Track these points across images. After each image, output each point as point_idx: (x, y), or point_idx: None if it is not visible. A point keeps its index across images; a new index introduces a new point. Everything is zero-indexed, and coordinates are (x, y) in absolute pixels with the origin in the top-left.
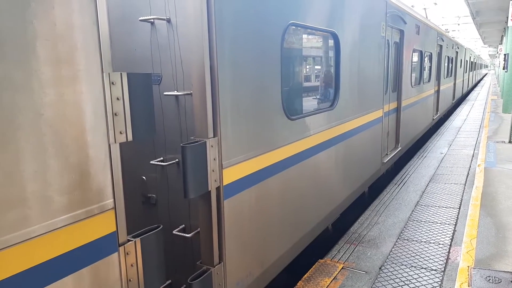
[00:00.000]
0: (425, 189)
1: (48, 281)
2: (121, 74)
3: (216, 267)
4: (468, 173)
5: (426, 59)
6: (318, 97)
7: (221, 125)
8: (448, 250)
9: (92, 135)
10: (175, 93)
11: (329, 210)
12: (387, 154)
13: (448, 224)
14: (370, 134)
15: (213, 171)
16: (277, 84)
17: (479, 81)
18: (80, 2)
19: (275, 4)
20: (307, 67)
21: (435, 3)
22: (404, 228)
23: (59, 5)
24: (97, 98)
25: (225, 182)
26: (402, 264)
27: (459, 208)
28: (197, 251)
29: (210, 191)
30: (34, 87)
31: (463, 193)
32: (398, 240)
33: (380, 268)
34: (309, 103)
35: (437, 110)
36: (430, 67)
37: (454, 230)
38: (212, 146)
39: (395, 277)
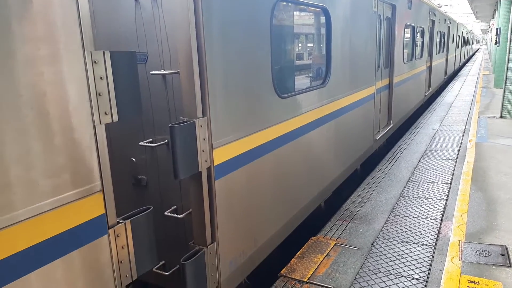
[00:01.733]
0: (416, 165)
1: (37, 265)
2: (103, 52)
3: (208, 246)
4: (459, 149)
5: (418, 34)
6: (309, 74)
7: (210, 105)
8: (439, 225)
9: (76, 116)
10: (162, 72)
11: (322, 188)
12: (379, 131)
13: (439, 199)
14: (362, 111)
15: (203, 151)
16: (267, 61)
17: (471, 57)
18: None
19: None
20: (298, 44)
21: None
22: (396, 204)
23: None
24: (80, 77)
25: (216, 162)
26: (394, 240)
27: (450, 184)
28: (189, 232)
29: (200, 171)
30: (11, 67)
31: (454, 169)
32: (390, 216)
33: (372, 244)
34: (301, 81)
35: (429, 86)
36: (422, 42)
37: (445, 205)
38: (201, 126)
39: (387, 253)
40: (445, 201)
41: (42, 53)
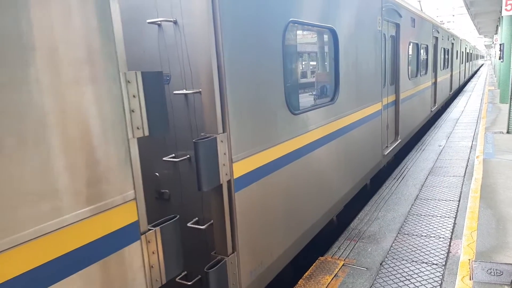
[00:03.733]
0: (424, 183)
1: (78, 268)
2: (135, 73)
3: (230, 256)
4: (467, 165)
5: (422, 51)
6: (319, 92)
7: (229, 121)
8: (448, 243)
9: (113, 131)
10: (184, 91)
11: (334, 203)
12: (387, 146)
13: (448, 217)
14: (370, 127)
15: (223, 165)
16: (280, 80)
17: (475, 72)
18: (96, 7)
19: (275, 4)
20: (308, 63)
21: None
22: (404, 223)
23: (78, 10)
24: (116, 96)
25: (236, 176)
26: (403, 259)
27: (459, 201)
28: (211, 242)
29: (221, 184)
30: (58, 88)
31: (462, 186)
32: (399, 235)
33: (381, 264)
34: (311, 98)
35: (435, 102)
36: (427, 59)
37: (454, 223)
38: (222, 141)
39: (396, 273)
40: (454, 219)
41: (84, 74)
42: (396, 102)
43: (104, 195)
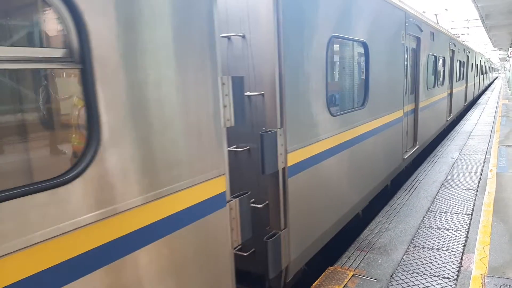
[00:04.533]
0: (436, 195)
1: (188, 222)
2: (227, 77)
3: (282, 231)
4: (480, 179)
5: (439, 63)
6: (352, 97)
7: (286, 119)
8: (460, 257)
9: (214, 121)
10: (248, 93)
11: (362, 196)
12: (406, 151)
13: (460, 230)
14: (393, 132)
15: (280, 154)
16: (323, 85)
17: (489, 85)
18: (208, 28)
19: (322, 22)
20: (344, 71)
21: (446, 9)
22: (415, 235)
23: (196, 27)
24: (215, 94)
25: (289, 164)
26: (414, 272)
27: (471, 214)
28: (265, 219)
29: (278, 170)
30: (183, 87)
31: (475, 199)
32: (410, 247)
33: (391, 276)
34: (345, 102)
35: (450, 112)
36: (444, 71)
37: (467, 237)
38: (280, 135)
39: (407, 285)
40: (466, 232)
41: (199, 78)
42: (415, 111)
43: (208, 169)
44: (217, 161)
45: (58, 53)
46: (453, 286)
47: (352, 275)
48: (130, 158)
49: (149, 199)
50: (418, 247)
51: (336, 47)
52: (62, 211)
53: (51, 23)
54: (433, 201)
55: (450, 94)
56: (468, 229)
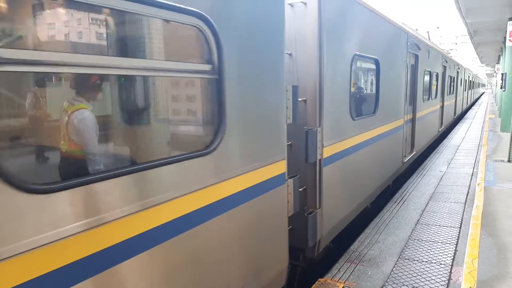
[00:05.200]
0: (425, 208)
1: (265, 191)
2: (289, 85)
3: (318, 210)
4: (468, 192)
5: (433, 78)
6: (367, 105)
7: (323, 120)
8: (449, 270)
9: (280, 119)
10: None
11: (374, 188)
12: (405, 156)
13: (449, 243)
14: (395, 138)
15: (318, 148)
16: (347, 94)
17: (476, 100)
18: (280, 47)
19: (348, 43)
20: (361, 83)
21: (438, 27)
22: (405, 247)
23: (275, 48)
24: (282, 99)
25: (324, 156)
26: (404, 285)
27: (460, 227)
28: (303, 200)
29: (316, 161)
30: (268, 93)
31: (463, 212)
32: (399, 259)
33: None
34: (362, 109)
35: (441, 124)
36: (437, 85)
37: (456, 250)
38: (319, 132)
39: None
40: (455, 245)
41: (275, 86)
42: (413, 120)
43: (276, 154)
44: (281, 148)
45: (207, 67)
46: None
47: (342, 287)
48: (241, 140)
49: (250, 170)
50: (408, 259)
51: (357, 62)
52: (208, 171)
53: (204, 47)
54: (422, 214)
55: (442, 107)
56: (457, 242)
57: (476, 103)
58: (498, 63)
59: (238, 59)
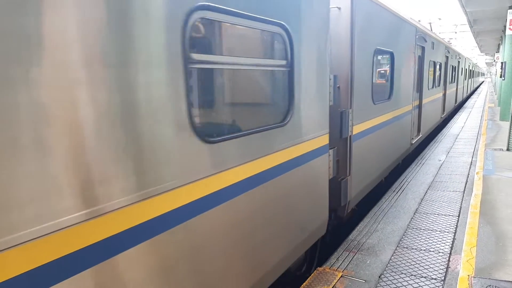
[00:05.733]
0: (423, 197)
1: (314, 157)
2: (332, 75)
3: (348, 177)
4: (466, 181)
5: (437, 68)
6: (383, 91)
7: (353, 103)
8: (448, 258)
9: (326, 101)
10: None
11: (387, 165)
12: (413, 138)
13: (448, 232)
14: (405, 121)
15: (350, 125)
16: (370, 82)
17: (476, 89)
18: (328, 44)
19: (372, 38)
20: (379, 73)
21: (440, 18)
22: (404, 236)
23: (326, 44)
24: (327, 85)
25: (354, 133)
26: (402, 273)
27: (458, 216)
28: (336, 170)
29: (347, 137)
30: (320, 79)
31: (462, 201)
32: (398, 248)
33: (379, 277)
34: (380, 95)
35: (443, 111)
36: (440, 74)
37: (454, 238)
38: (350, 113)
39: (395, 286)
40: (453, 234)
41: (323, 75)
42: (419, 106)
43: (323, 128)
44: (326, 125)
45: (284, 62)
46: (441, 287)
47: (341, 276)
48: (302, 116)
49: (308, 139)
50: (406, 248)
51: (377, 56)
52: (283, 138)
53: (282, 47)
54: (420, 203)
55: (444, 95)
56: (455, 230)
57: (476, 92)
58: (497, 52)
59: (301, 56)
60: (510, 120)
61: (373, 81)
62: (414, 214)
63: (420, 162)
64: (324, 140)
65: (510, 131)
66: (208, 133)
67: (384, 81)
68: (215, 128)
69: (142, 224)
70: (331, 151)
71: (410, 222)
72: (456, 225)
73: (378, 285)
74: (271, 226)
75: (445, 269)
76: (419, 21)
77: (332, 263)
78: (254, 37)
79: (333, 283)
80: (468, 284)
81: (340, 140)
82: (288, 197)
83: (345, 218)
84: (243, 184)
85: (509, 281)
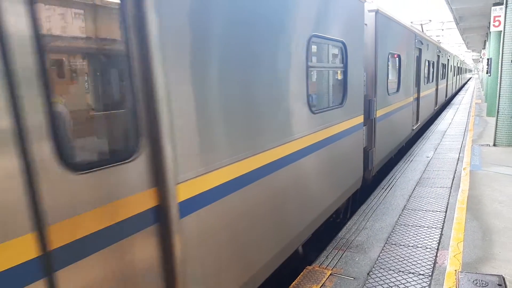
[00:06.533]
0: (412, 193)
1: (352, 132)
2: (363, 72)
3: (373, 148)
4: (454, 177)
5: (431, 66)
6: (394, 86)
7: (376, 93)
8: (435, 254)
9: (361, 92)
10: None
11: (397, 144)
12: (413, 125)
13: (435, 228)
14: (408, 111)
15: (374, 110)
16: (385, 78)
17: (463, 85)
18: (362, 47)
19: (388, 43)
20: (389, 71)
21: (430, 20)
22: (392, 233)
23: (361, 46)
24: (362, 80)
25: (377, 116)
26: (390, 269)
27: (446, 212)
28: (366, 142)
29: (373, 118)
30: (357, 77)
31: (449, 197)
32: (386, 245)
33: (368, 274)
34: (391, 88)
35: (436, 104)
36: (433, 72)
37: (441, 234)
38: (375, 101)
39: (383, 283)
40: (440, 229)
41: (359, 73)
42: (417, 99)
43: (360, 110)
44: (361, 108)
45: (342, 65)
46: (428, 282)
47: (330, 274)
48: (351, 101)
49: (353, 117)
50: (394, 244)
51: (388, 58)
52: (342, 115)
53: (342, 55)
54: (409, 199)
55: (436, 90)
56: (443, 226)
57: (463, 89)
58: (484, 48)
59: (350, 60)
60: (496, 116)
61: (388, 78)
62: (402, 210)
63: (408, 159)
64: (361, 119)
65: (496, 127)
66: (313, 105)
67: (394, 78)
68: (315, 103)
69: (285, 156)
70: (364, 128)
71: (398, 219)
72: (444, 221)
73: (367, 282)
74: (339, 170)
75: (432, 265)
76: (411, 22)
77: (321, 262)
78: (329, 50)
79: (323, 281)
80: (455, 279)
81: (368, 120)
82: (345, 155)
83: (370, 180)
84: (335, 137)
85: (495, 275)
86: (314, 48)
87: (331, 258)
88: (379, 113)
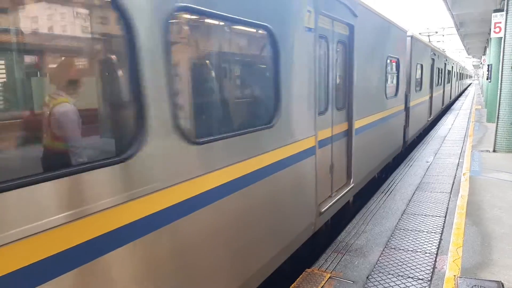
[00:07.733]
0: (411, 198)
1: (400, 113)
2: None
3: (408, 127)
4: (453, 182)
5: (440, 72)
6: (393, 89)
7: (410, 90)
8: (434, 259)
9: (404, 88)
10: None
11: (421, 125)
12: (428, 118)
13: (435, 232)
14: (425, 106)
15: (409, 101)
16: (414, 80)
17: (463, 91)
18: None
19: (415, 57)
20: (389, 74)
21: (436, 32)
22: (391, 237)
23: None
24: (405, 81)
25: (410, 105)
26: (389, 274)
27: (445, 217)
28: (404, 122)
29: (408, 107)
30: (383, 76)
31: (449, 202)
32: (385, 249)
33: (367, 278)
34: (391, 93)
35: (443, 104)
36: (441, 77)
37: (441, 239)
38: (409, 96)
39: (382, 287)
40: (440, 234)
41: (403, 76)
42: (431, 98)
43: (403, 100)
44: (403, 99)
45: (397, 72)
46: (427, 287)
47: (329, 277)
48: (402, 94)
49: (399, 104)
50: (394, 249)
51: (389, 62)
52: (394, 103)
53: (397, 66)
54: (408, 204)
55: (443, 91)
56: (442, 231)
57: (463, 94)
58: (484, 54)
59: (401, 68)
60: (496, 122)
61: (415, 79)
62: (402, 215)
63: (408, 164)
64: (403, 106)
65: (496, 133)
66: (381, 94)
67: (419, 81)
68: (381, 95)
69: (384, 117)
70: (404, 112)
71: (398, 223)
72: (443, 226)
73: (366, 286)
74: (392, 137)
75: (432, 270)
76: (419, 33)
77: (320, 264)
78: (393, 64)
79: (322, 284)
80: (454, 284)
81: (405, 108)
82: (395, 127)
83: (403, 150)
84: (393, 115)
85: (494, 281)
86: (389, 62)
87: (331, 261)
88: (411, 104)
